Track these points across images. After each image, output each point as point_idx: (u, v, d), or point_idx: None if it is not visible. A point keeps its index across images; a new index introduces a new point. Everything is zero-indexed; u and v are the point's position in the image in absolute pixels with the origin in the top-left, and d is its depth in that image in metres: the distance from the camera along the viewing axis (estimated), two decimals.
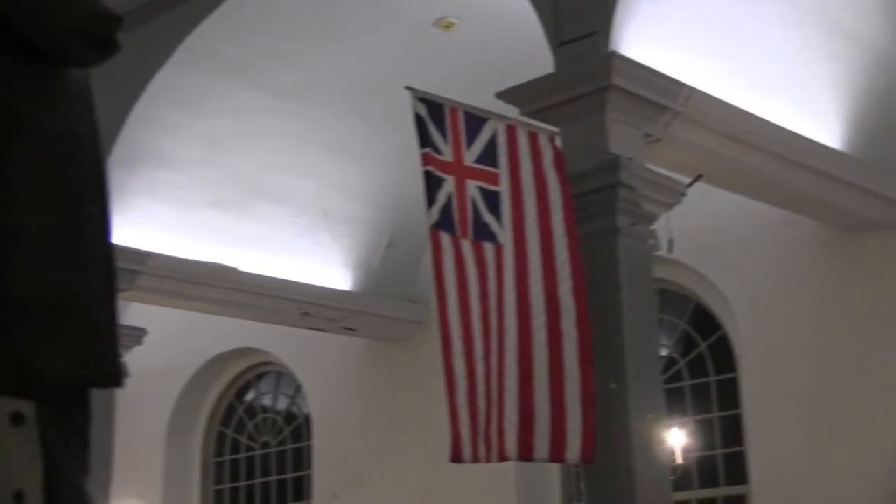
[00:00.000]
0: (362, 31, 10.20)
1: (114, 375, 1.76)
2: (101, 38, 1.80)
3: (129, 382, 8.32)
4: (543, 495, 11.72)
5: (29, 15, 1.68)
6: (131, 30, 9.07)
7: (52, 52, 1.73)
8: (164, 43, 9.89)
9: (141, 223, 10.28)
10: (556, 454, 6.90)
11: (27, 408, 1.60)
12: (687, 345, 11.35)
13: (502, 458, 6.84)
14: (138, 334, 10.87)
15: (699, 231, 10.04)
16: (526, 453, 6.88)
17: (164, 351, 12.81)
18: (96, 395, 1.81)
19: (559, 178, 7.24)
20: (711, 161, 8.37)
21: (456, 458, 6.60)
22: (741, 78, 8.67)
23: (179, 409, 13.93)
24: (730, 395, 10.97)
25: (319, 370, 12.97)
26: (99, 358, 1.73)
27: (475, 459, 6.67)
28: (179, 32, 9.87)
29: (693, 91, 7.90)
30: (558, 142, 7.41)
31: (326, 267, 11.98)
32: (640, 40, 7.81)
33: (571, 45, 7.81)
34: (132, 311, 11.17)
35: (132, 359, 10.08)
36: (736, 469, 10.83)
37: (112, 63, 1.90)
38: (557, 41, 7.91)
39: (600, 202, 7.43)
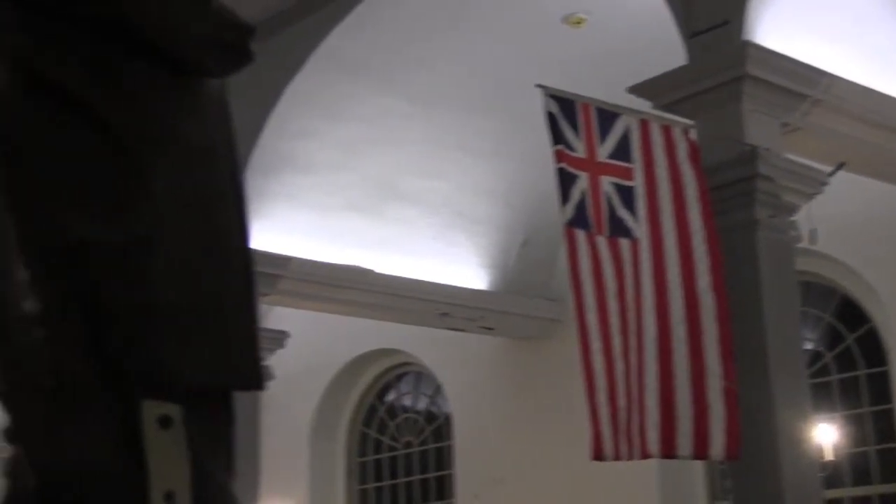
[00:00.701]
0: (492, 31, 10.21)
1: (255, 378, 1.80)
2: (235, 49, 1.84)
3: (273, 385, 8.52)
4: (688, 493, 11.56)
5: (164, 27, 1.73)
6: (265, 39, 9.26)
7: (188, 64, 1.77)
8: (298, 51, 10.07)
9: (280, 228, 10.48)
10: (700, 451, 6.80)
11: (174, 411, 1.65)
12: (833, 338, 11.05)
13: (644, 455, 6.77)
14: (280, 337, 11.08)
15: (843, 220, 9.77)
16: (668, 450, 6.80)
17: (306, 353, 13.03)
18: (241, 397, 1.85)
19: (695, 172, 7.14)
20: (853, 148, 8.15)
21: (597, 455, 6.56)
22: (878, 63, 8.41)
23: (322, 410, 14.15)
24: (881, 389, 10.65)
25: (459, 370, 13.03)
26: (241, 361, 1.77)
27: (616, 457, 6.62)
28: (312, 40, 10.03)
29: (833, 78, 7.71)
30: (693, 134, 7.31)
31: (463, 267, 12.03)
32: (773, 28, 7.65)
33: (704, 35, 7.69)
34: (274, 315, 11.39)
35: (275, 361, 10.28)
36: (891, 466, 10.50)
37: (248, 72, 1.94)
38: (690, 32, 7.79)
39: (738, 194, 7.30)
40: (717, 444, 6.72)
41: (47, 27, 1.70)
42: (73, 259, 1.66)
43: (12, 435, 1.65)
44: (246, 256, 1.86)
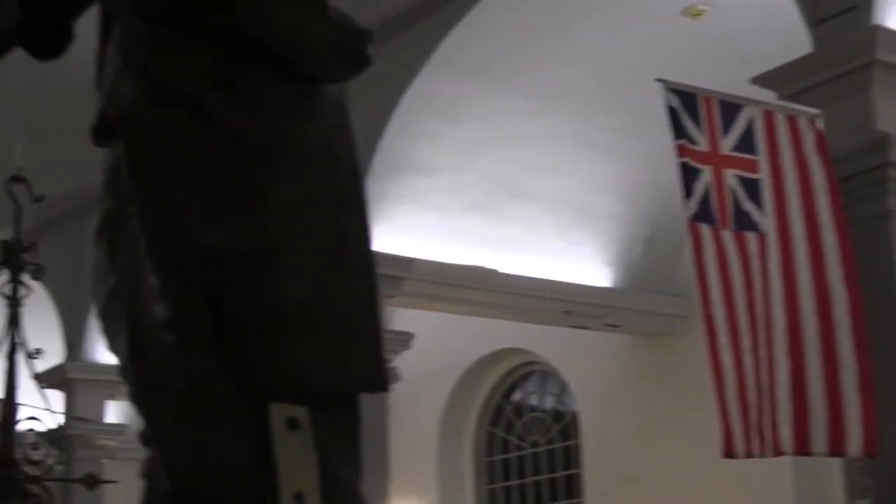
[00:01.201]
0: (611, 26, 10.13)
1: (380, 380, 1.82)
2: (352, 54, 1.86)
3: (400, 386, 8.58)
4: (825, 491, 11.30)
5: (283, 35, 1.76)
6: (384, 43, 9.35)
7: (307, 70, 1.80)
8: (417, 53, 10.13)
9: (403, 230, 10.56)
10: (835, 448, 6.64)
11: (301, 413, 1.68)
12: None
13: (777, 452, 6.64)
14: (406, 338, 11.16)
15: None
16: (802, 447, 6.65)
17: (431, 354, 13.10)
18: (367, 399, 1.87)
19: (822, 162, 6.97)
20: None
21: (728, 453, 6.45)
22: None
23: (450, 411, 14.21)
24: None
25: (584, 368, 12.96)
26: (365, 364, 1.78)
27: (748, 454, 6.50)
28: (431, 42, 10.09)
29: None
30: (820, 124, 7.14)
31: (586, 264, 11.96)
32: None
33: (830, 22, 7.50)
34: (399, 317, 11.48)
35: (401, 363, 10.35)
36: None
37: (367, 76, 1.96)
38: (814, 19, 7.61)
39: (869, 184, 7.10)
40: (854, 440, 6.55)
41: (172, 39, 1.74)
42: (201, 265, 1.70)
43: (147, 437, 1.70)
44: (369, 259, 1.88)
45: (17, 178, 6.57)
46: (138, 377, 1.71)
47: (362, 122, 2.13)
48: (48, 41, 1.97)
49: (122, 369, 1.75)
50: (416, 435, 13.82)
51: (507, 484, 14.14)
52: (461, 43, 10.05)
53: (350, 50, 1.85)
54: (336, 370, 1.75)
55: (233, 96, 1.74)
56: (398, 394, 8.40)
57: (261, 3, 1.74)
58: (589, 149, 11.34)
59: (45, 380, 10.16)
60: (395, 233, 10.39)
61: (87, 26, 2.04)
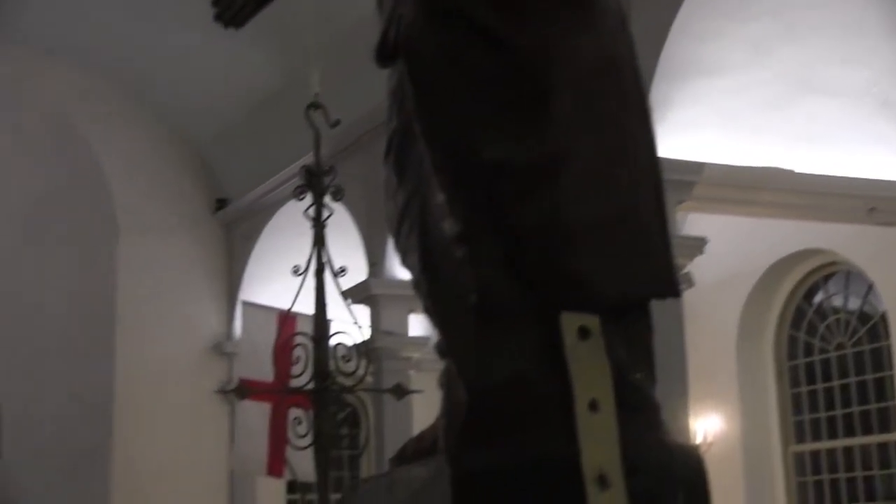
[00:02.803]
0: None
1: (671, 286, 1.80)
2: None
3: (695, 292, 8.48)
4: None
5: None
6: None
7: None
8: None
9: (690, 134, 10.34)
10: None
11: (592, 322, 1.68)
12: None
13: None
14: (699, 244, 10.96)
15: None
16: None
17: (726, 259, 12.84)
18: (661, 306, 1.86)
19: None
20: None
21: None
22: None
23: (747, 315, 13.92)
24: None
25: (892, 266, 12.36)
26: (655, 270, 1.77)
27: None
28: None
29: None
30: None
31: (890, 158, 11.34)
32: None
33: None
34: (691, 222, 11.28)
35: (695, 268, 10.21)
36: None
37: None
38: None
39: None
40: None
41: None
42: (487, 180, 1.72)
43: (442, 349, 1.75)
44: (655, 165, 1.86)
45: (315, 105, 6.84)
46: (431, 291, 1.76)
47: (645, 26, 2.09)
48: None
49: (416, 284, 1.81)
50: (714, 341, 13.65)
51: (812, 388, 13.77)
52: None
53: None
54: (626, 278, 1.75)
55: (508, 10, 1.74)
56: (693, 300, 8.32)
57: None
58: (889, 36, 10.68)
59: (351, 296, 10.65)
60: (683, 137, 10.19)
61: None
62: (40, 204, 15.06)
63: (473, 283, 1.69)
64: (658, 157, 1.88)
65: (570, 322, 1.68)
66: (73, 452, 14.61)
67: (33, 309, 14.84)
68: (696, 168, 10.08)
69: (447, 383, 1.73)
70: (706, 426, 13.53)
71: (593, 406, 1.65)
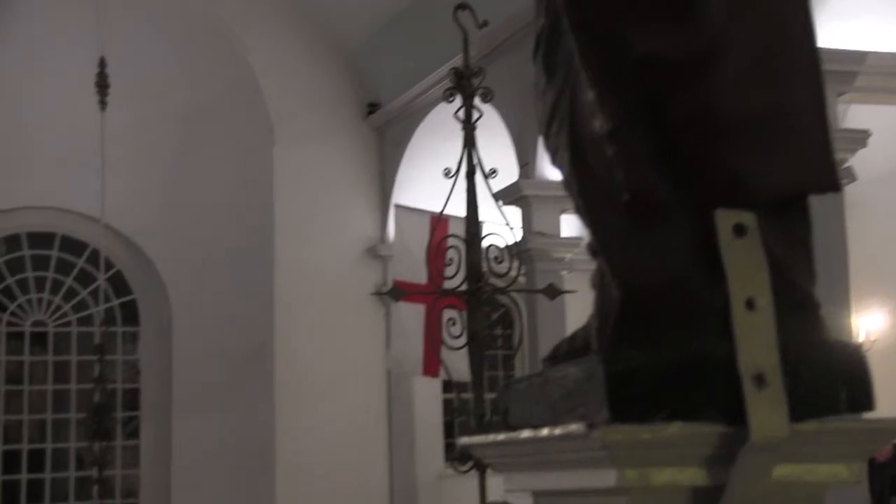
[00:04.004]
0: None
1: (831, 180, 1.74)
2: None
3: (857, 186, 8.22)
4: None
5: None
6: None
7: None
8: None
9: (852, 22, 9.93)
10: None
11: (748, 219, 1.65)
12: None
13: None
14: (861, 137, 10.60)
15: None
16: None
17: (890, 151, 12.39)
18: (822, 201, 1.80)
19: None
20: None
21: None
22: None
23: None
24: None
25: None
26: (814, 164, 1.72)
27: None
28: None
29: None
30: None
31: None
32: None
33: None
34: (852, 114, 10.89)
35: (857, 162, 9.89)
36: None
37: None
38: None
39: None
40: None
41: None
42: (639, 75, 1.69)
43: (594, 248, 1.74)
44: (814, 56, 1.79)
45: (462, 6, 6.79)
46: (582, 190, 1.75)
47: None
48: None
49: (567, 183, 1.79)
50: (877, 236, 13.24)
51: None
52: None
53: None
54: (783, 173, 1.70)
55: None
56: (856, 195, 8.07)
57: None
58: None
59: (503, 197, 10.66)
60: (845, 25, 9.79)
61: None
62: (199, 113, 15.42)
63: (625, 180, 1.67)
64: (817, 47, 1.81)
65: (726, 219, 1.65)
66: (238, 351, 15.15)
67: (196, 215, 15.32)
68: (859, 57, 9.71)
69: (600, 283, 1.71)
70: (868, 323, 13.22)
71: (750, 304, 1.62)
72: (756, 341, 1.58)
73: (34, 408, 15.42)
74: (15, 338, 15.42)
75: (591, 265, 1.79)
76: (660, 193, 1.66)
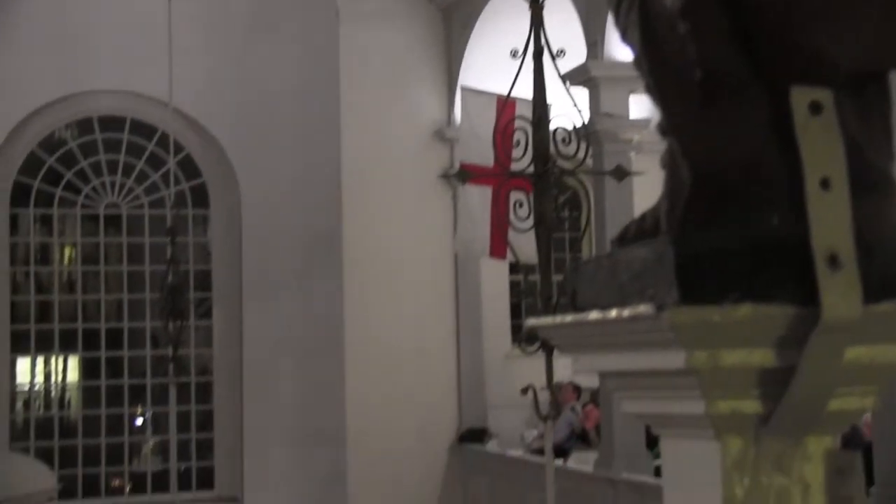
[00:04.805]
0: None
1: None
2: None
3: None
4: None
5: None
6: None
7: None
8: None
9: None
10: None
11: (825, 96, 1.60)
12: None
13: None
14: None
15: None
16: None
17: None
18: None
19: None
20: None
21: None
22: None
23: None
24: None
25: None
26: (894, 40, 1.66)
27: None
28: None
29: None
30: None
31: None
32: None
33: None
34: None
35: None
36: None
37: None
38: None
39: None
40: None
41: None
42: None
43: (664, 128, 1.71)
44: None
45: None
46: (653, 68, 1.71)
47: None
48: None
49: (637, 62, 1.75)
50: None
51: None
52: None
53: None
54: (862, 49, 1.64)
55: None
56: None
57: None
58: None
59: (570, 78, 10.53)
60: None
61: None
62: None
63: (698, 57, 1.63)
64: None
65: (801, 96, 1.61)
66: (307, 234, 15.31)
67: (263, 98, 15.35)
68: None
69: (670, 163, 1.69)
70: None
71: (825, 184, 1.58)
72: (830, 221, 1.55)
73: (110, 288, 15.78)
74: (90, 220, 15.71)
75: (660, 146, 1.76)
76: (733, 71, 1.62)
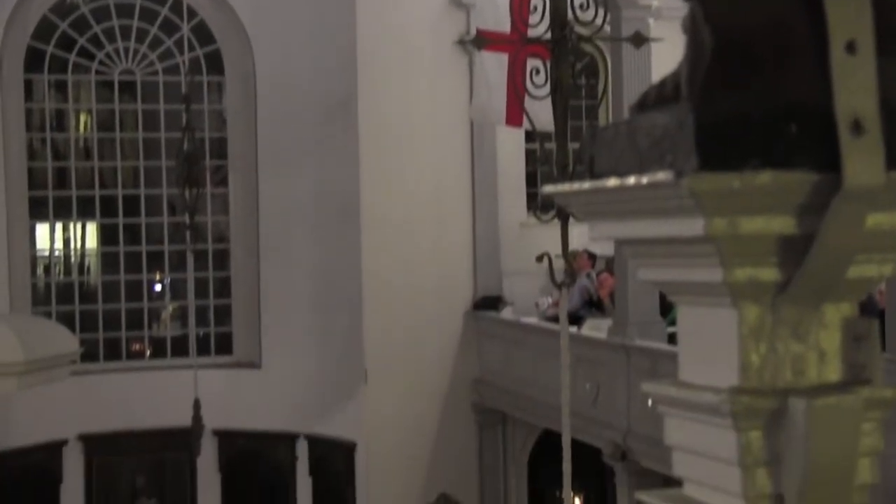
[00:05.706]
0: None
1: None
2: None
3: None
4: None
5: None
6: None
7: None
8: None
9: None
10: None
11: None
12: None
13: None
14: None
15: None
16: None
17: None
18: None
19: None
20: None
21: None
22: None
23: None
24: None
25: None
26: None
27: None
28: None
29: None
30: None
31: None
32: None
33: None
34: None
35: None
36: None
37: None
38: None
39: None
40: None
41: None
42: None
43: None
44: None
45: None
46: None
47: None
48: None
49: None
50: None
51: None
52: None
53: None
54: None
55: None
56: None
57: None
58: None
59: None
60: None
61: None
62: None
63: None
64: None
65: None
66: (322, 102, 15.21)
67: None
68: None
69: (691, 28, 1.65)
70: None
71: (850, 47, 1.54)
72: (855, 86, 1.52)
73: (126, 155, 15.78)
74: (105, 86, 15.63)
75: (679, 13, 1.72)
76: None
